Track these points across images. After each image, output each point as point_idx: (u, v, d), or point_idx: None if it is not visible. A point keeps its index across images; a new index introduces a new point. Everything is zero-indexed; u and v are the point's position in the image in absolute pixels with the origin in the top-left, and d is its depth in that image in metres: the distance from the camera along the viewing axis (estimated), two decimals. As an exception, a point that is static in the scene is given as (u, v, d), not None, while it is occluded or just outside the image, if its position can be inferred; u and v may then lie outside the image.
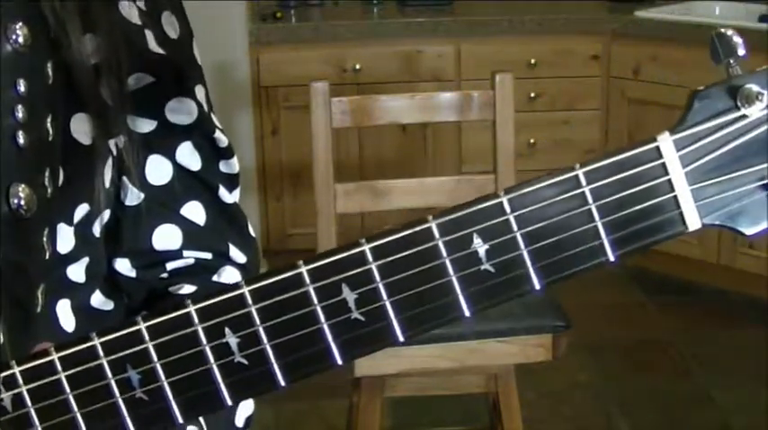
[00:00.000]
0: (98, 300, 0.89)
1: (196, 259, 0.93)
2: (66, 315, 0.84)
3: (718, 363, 3.34)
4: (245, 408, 0.90)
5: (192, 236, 0.92)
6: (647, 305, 3.75)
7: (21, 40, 0.76)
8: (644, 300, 3.78)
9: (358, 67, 3.85)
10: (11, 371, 0.66)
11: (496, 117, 2.40)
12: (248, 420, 0.90)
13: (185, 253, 0.92)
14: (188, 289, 0.91)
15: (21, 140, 0.75)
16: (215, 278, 0.93)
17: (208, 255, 0.94)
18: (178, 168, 0.91)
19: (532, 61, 3.89)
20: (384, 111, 2.41)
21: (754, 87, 0.60)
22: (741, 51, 0.61)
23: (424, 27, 3.89)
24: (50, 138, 0.78)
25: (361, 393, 2.37)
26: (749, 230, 0.61)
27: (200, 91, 0.91)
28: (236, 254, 0.95)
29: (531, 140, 3.95)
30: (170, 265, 0.92)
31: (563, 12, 3.95)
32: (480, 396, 2.64)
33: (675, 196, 0.60)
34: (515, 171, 2.43)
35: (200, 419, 0.84)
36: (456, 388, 2.52)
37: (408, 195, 2.43)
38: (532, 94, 3.91)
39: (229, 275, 0.94)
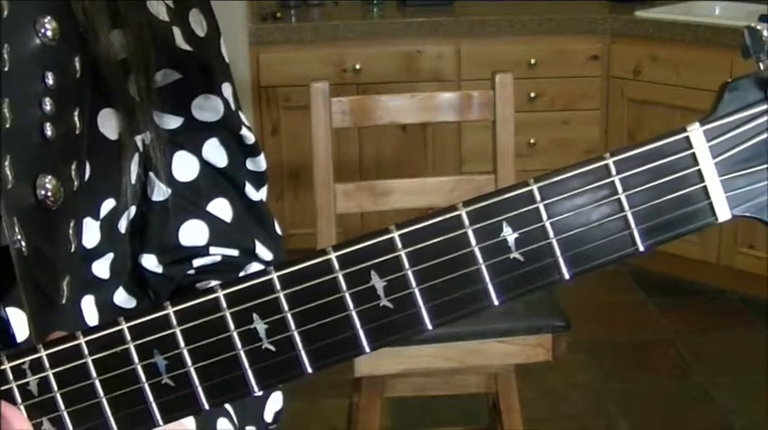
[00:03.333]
0: (121, 297, 0.89)
1: (223, 256, 0.93)
2: (90, 311, 0.84)
3: (718, 363, 3.34)
4: (274, 403, 0.91)
5: (219, 232, 0.92)
6: (647, 305, 3.75)
7: (49, 33, 0.76)
8: (644, 300, 3.78)
9: (358, 67, 3.85)
10: (37, 355, 0.66)
11: (496, 117, 2.39)
12: (277, 415, 0.91)
13: (212, 249, 0.92)
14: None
15: (48, 132, 0.76)
16: (241, 275, 0.93)
17: (234, 252, 0.94)
18: (204, 165, 0.91)
19: (532, 61, 3.89)
20: (384, 111, 2.41)
21: None
22: None
23: (424, 27, 3.89)
24: (77, 132, 0.79)
25: (362, 393, 2.36)
26: None
27: (226, 88, 0.91)
28: (263, 251, 0.95)
29: (531, 140, 3.95)
30: (196, 262, 0.92)
31: (563, 12, 3.95)
32: (480, 396, 2.63)
33: (705, 186, 0.60)
34: (515, 171, 2.43)
35: (231, 412, 0.84)
36: (456, 388, 2.51)
37: (408, 195, 2.43)
38: (532, 94, 3.91)
39: None
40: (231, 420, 0.84)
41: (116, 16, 0.81)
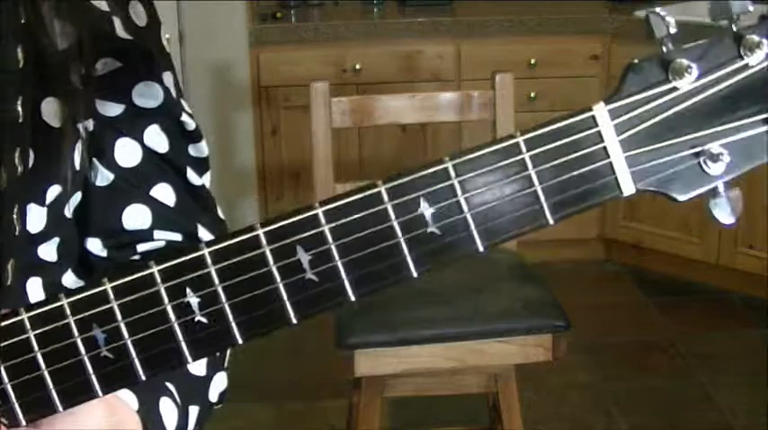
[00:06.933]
0: (70, 279, 0.91)
1: (167, 241, 0.95)
2: (36, 292, 0.87)
3: (718, 363, 3.34)
4: (219, 383, 0.92)
5: (162, 216, 0.94)
6: (647, 305, 3.75)
7: None
8: (644, 300, 3.79)
9: (358, 67, 3.87)
10: None
11: (496, 117, 2.41)
12: (222, 395, 0.93)
13: (155, 234, 0.94)
14: None
15: None
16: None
17: (178, 237, 0.95)
18: (146, 150, 0.93)
19: (532, 61, 3.90)
20: (384, 111, 2.42)
21: (684, 62, 0.63)
22: (673, 29, 0.64)
23: (424, 27, 3.91)
24: (20, 120, 0.81)
25: (361, 393, 2.36)
26: (681, 196, 0.64)
27: (167, 77, 0.94)
28: (206, 235, 0.97)
29: (532, 140, 3.95)
30: (141, 247, 0.94)
31: (563, 12, 3.96)
32: (480, 396, 2.64)
33: (611, 162, 0.62)
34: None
35: (174, 392, 0.86)
36: (456, 388, 2.52)
37: (408, 195, 2.44)
38: (532, 94, 3.92)
39: None
40: (174, 399, 0.85)
41: (58, 7, 0.84)
